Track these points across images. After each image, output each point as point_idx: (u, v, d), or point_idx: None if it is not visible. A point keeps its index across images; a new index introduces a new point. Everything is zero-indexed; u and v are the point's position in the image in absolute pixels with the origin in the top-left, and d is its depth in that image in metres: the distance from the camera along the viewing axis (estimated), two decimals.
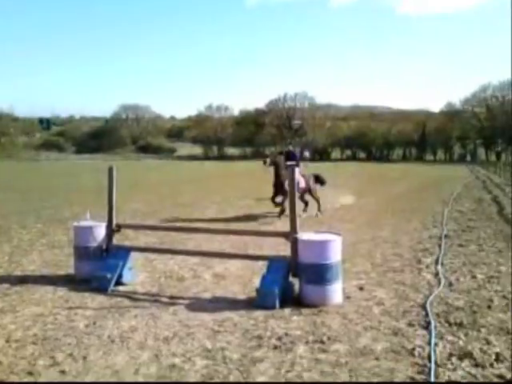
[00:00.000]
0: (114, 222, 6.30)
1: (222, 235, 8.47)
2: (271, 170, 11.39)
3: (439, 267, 6.52)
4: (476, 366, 3.61)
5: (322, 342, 4.08)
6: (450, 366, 3.60)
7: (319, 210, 11.94)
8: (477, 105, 70.56)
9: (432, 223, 10.46)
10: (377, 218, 11.48)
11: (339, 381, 3.44)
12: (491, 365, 3.61)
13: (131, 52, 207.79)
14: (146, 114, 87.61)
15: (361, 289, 5.62)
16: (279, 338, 4.19)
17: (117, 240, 6.49)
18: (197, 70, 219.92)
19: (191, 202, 15.18)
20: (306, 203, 11.90)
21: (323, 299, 5.04)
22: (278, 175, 11.26)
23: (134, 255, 6.33)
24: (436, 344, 3.98)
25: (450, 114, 70.87)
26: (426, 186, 21.71)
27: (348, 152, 77.36)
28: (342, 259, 5.39)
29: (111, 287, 5.69)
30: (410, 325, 4.46)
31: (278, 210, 11.35)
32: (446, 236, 8.80)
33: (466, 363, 3.65)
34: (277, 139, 75.48)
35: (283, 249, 6.29)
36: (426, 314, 4.69)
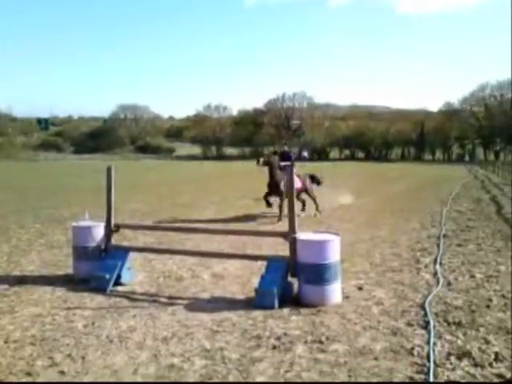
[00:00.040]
0: (113, 222, 6.29)
1: (220, 235, 8.47)
2: (266, 169, 11.32)
3: (438, 267, 6.53)
4: (475, 365, 3.61)
5: (321, 342, 4.08)
6: (448, 366, 3.60)
7: (317, 209, 11.92)
8: (475, 104, 70.67)
9: (431, 223, 10.46)
10: (375, 217, 11.49)
11: (338, 381, 3.44)
12: (490, 364, 3.61)
13: (130, 52, 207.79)
14: (144, 114, 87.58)
15: (360, 289, 5.62)
16: (278, 338, 4.19)
17: (115, 240, 6.48)
18: (195, 69, 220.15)
19: (190, 202, 15.18)
20: (304, 203, 11.88)
21: (322, 299, 5.03)
22: (272, 175, 11.18)
23: (132, 255, 6.33)
24: (435, 343, 3.98)
25: (449, 114, 70.95)
26: (425, 185, 21.72)
27: (346, 152, 77.46)
28: (341, 259, 5.39)
29: (110, 287, 5.68)
30: (409, 324, 4.46)
31: (269, 209, 11.41)
32: (444, 236, 8.80)
33: (464, 363, 3.65)
34: (275, 139, 75.43)
35: (282, 249, 6.29)
36: (425, 314, 4.69)
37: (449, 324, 4.44)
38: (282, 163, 11.38)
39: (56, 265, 6.94)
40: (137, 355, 3.91)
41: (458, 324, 4.43)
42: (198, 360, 3.81)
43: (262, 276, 5.27)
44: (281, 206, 10.87)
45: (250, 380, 3.48)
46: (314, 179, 12.59)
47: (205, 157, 75.42)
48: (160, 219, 11.23)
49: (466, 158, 68.60)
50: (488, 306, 4.92)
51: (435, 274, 6.22)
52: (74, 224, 6.50)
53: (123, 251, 6.16)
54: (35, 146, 78.50)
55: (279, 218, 10.75)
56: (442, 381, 3.39)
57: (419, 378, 3.43)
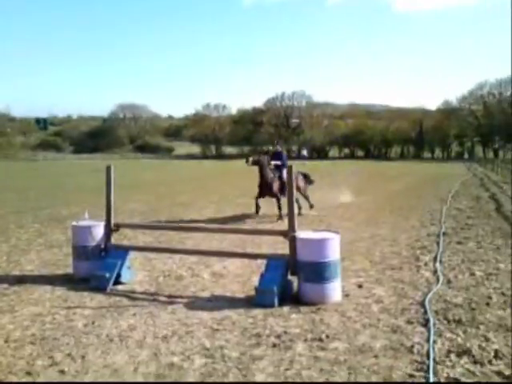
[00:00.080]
0: (113, 221, 6.28)
1: (220, 234, 8.48)
2: (256, 169, 11.10)
3: (438, 265, 6.53)
4: (475, 362, 3.61)
5: (321, 340, 4.09)
6: (448, 363, 3.60)
7: (310, 206, 11.86)
8: (474, 102, 70.73)
9: (430, 221, 10.47)
10: (375, 215, 11.49)
11: (338, 378, 3.44)
12: (490, 362, 3.61)
13: (129, 52, 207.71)
14: (143, 113, 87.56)
15: (359, 286, 5.63)
16: (278, 336, 4.19)
17: (115, 239, 6.48)
18: (194, 69, 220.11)
19: (189, 201, 15.18)
20: (297, 201, 11.81)
21: (322, 297, 5.03)
22: (262, 175, 10.95)
23: (132, 254, 6.34)
24: (435, 341, 3.98)
25: (447, 112, 70.97)
26: (424, 183, 21.74)
27: (346, 150, 77.48)
28: (341, 257, 5.39)
29: (110, 286, 5.68)
30: (409, 322, 4.46)
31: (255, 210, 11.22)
32: (444, 233, 8.81)
33: (464, 360, 3.65)
34: (274, 138, 75.45)
35: (282, 247, 6.30)
36: (425, 312, 4.69)
37: (449, 322, 4.44)
38: (273, 162, 11.22)
39: (55, 264, 6.94)
40: (137, 354, 3.91)
41: (458, 322, 4.43)
42: (198, 358, 3.81)
43: (262, 274, 5.27)
44: (279, 206, 10.80)
45: (250, 378, 3.48)
46: (307, 178, 12.49)
47: (204, 156, 75.43)
48: (159, 218, 11.24)
49: (465, 156, 68.64)
50: (488, 304, 4.92)
51: (435, 271, 6.22)
52: (74, 223, 6.49)
53: (123, 250, 6.16)
54: (34, 146, 78.44)
55: (279, 217, 10.75)
56: (442, 378, 3.40)
57: (419, 375, 3.44)
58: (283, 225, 6.74)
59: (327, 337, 4.15)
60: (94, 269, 5.86)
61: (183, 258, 7.05)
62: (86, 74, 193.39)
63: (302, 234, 5.35)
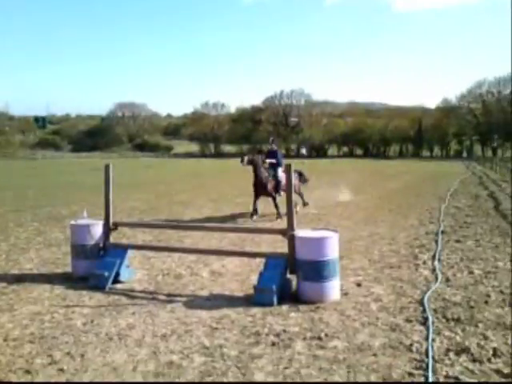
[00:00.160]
0: (111, 220, 6.28)
1: (219, 233, 8.48)
2: (251, 169, 10.91)
3: (436, 263, 6.54)
4: (473, 361, 3.62)
5: (320, 339, 4.09)
6: (447, 362, 3.61)
7: (304, 203, 11.85)
8: (473, 101, 70.70)
9: (429, 219, 10.48)
10: (374, 214, 11.49)
11: (337, 377, 3.44)
12: (489, 360, 3.62)
13: (127, 50, 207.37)
14: (142, 111, 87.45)
15: (358, 285, 5.63)
16: (277, 335, 4.19)
17: (114, 238, 6.47)
18: (193, 67, 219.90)
19: (188, 199, 15.17)
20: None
21: (321, 296, 5.04)
22: (256, 175, 10.82)
23: (131, 253, 6.33)
24: (433, 339, 3.99)
25: (446, 110, 70.95)
26: (423, 182, 21.75)
27: (345, 149, 77.48)
28: (340, 256, 5.40)
29: (109, 285, 5.68)
30: (408, 320, 4.47)
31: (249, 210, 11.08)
32: (442, 232, 8.81)
33: (463, 358, 3.66)
34: (270, 136, 75.38)
35: (280, 246, 6.30)
36: (424, 310, 4.70)
37: (447, 320, 4.45)
38: (268, 160, 11.13)
39: (54, 263, 6.94)
40: (136, 352, 3.91)
41: (457, 320, 4.44)
42: (197, 357, 3.81)
43: (261, 273, 5.27)
44: (276, 205, 10.77)
45: (249, 377, 3.48)
46: (301, 176, 12.37)
47: (203, 154, 75.40)
48: (158, 217, 11.23)
49: (464, 154, 68.67)
50: (486, 302, 4.93)
51: (434, 270, 6.23)
52: (73, 222, 6.48)
53: (122, 249, 6.16)
54: (33, 145, 78.32)
55: (278, 215, 10.75)
56: (441, 376, 3.40)
57: (418, 373, 3.44)
58: (282, 223, 6.75)
59: (326, 335, 4.15)
60: (93, 267, 5.86)
61: (182, 256, 7.05)
62: (84, 73, 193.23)
63: (300, 232, 5.36)
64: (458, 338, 4.04)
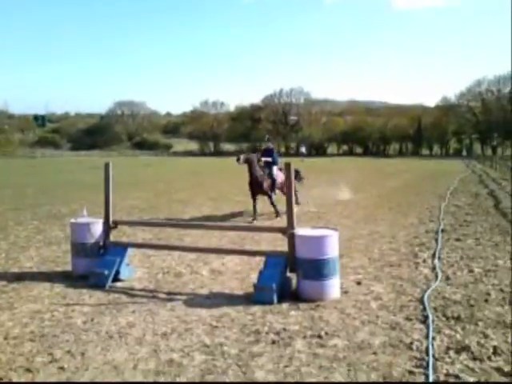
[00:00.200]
0: (111, 218, 6.28)
1: (218, 231, 8.48)
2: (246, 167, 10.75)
3: (436, 261, 6.54)
4: (474, 359, 3.62)
5: (320, 337, 4.09)
6: (447, 360, 3.61)
7: (296, 202, 11.71)
8: (472, 99, 70.66)
9: (429, 218, 10.48)
10: (374, 213, 11.50)
11: (338, 375, 3.45)
12: (489, 358, 3.62)
13: (126, 48, 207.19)
14: (141, 110, 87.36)
15: (358, 283, 5.63)
16: (277, 333, 4.20)
17: (114, 236, 6.47)
18: (192, 65, 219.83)
19: (187, 198, 15.17)
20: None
21: (321, 294, 5.04)
22: (251, 174, 10.66)
23: (131, 251, 6.33)
24: (434, 338, 3.99)
25: (446, 109, 70.94)
26: (423, 180, 21.75)
27: (344, 147, 77.46)
28: (340, 254, 5.40)
29: (109, 283, 5.68)
30: (408, 319, 4.47)
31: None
32: (442, 230, 8.82)
33: (463, 357, 3.66)
34: (273, 135, 75.40)
35: (280, 244, 6.30)
36: (424, 308, 4.71)
37: (447, 318, 4.45)
38: (264, 158, 11.04)
39: (54, 261, 6.94)
40: (136, 351, 3.91)
41: (457, 318, 4.44)
42: (197, 355, 3.81)
43: (261, 271, 5.27)
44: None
45: (250, 375, 3.48)
46: (297, 174, 12.10)
47: (202, 153, 75.34)
48: (158, 215, 11.23)
49: (464, 152, 68.66)
50: (486, 301, 4.93)
51: (434, 268, 6.23)
52: (73, 220, 6.48)
53: (122, 247, 6.16)
54: (32, 143, 78.24)
55: (276, 213, 10.72)
56: (442, 375, 3.40)
57: (418, 372, 3.44)
58: (282, 222, 6.75)
59: (326, 334, 4.16)
60: (93, 266, 5.86)
61: (182, 254, 7.05)
62: (83, 71, 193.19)
63: (300, 231, 5.36)
64: (458, 336, 4.04)
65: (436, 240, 7.99)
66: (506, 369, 3.45)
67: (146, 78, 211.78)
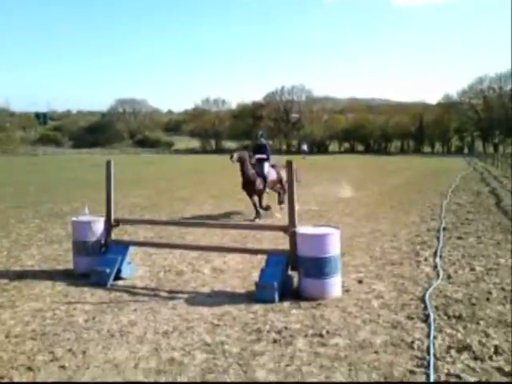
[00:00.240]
0: (113, 216, 6.28)
1: (220, 229, 8.48)
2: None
3: (438, 260, 6.53)
4: (475, 358, 3.61)
5: (321, 336, 4.09)
6: (449, 359, 3.60)
7: (281, 202, 11.00)
8: (474, 97, 70.57)
9: (430, 216, 10.47)
10: (375, 211, 11.49)
11: (339, 374, 3.44)
12: (490, 358, 3.62)
13: (128, 46, 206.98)
14: (143, 107, 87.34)
15: (360, 282, 5.63)
16: (278, 332, 4.20)
17: (115, 235, 6.48)
18: (194, 63, 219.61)
19: (189, 196, 15.17)
20: (279, 193, 11.17)
21: (322, 293, 5.04)
22: (243, 172, 10.30)
23: (132, 250, 6.34)
24: (435, 337, 3.99)
25: (447, 106, 70.84)
26: (424, 178, 21.73)
27: (346, 145, 77.41)
28: (341, 252, 5.39)
29: (110, 282, 5.69)
30: (409, 318, 4.47)
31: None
32: (444, 229, 8.81)
33: (464, 356, 3.65)
34: (275, 132, 75.39)
35: (282, 242, 6.30)
36: (425, 307, 4.70)
37: (449, 317, 4.45)
38: (257, 156, 10.66)
39: (56, 259, 6.94)
40: (138, 349, 3.91)
41: (458, 317, 4.44)
42: (198, 354, 3.81)
43: (263, 270, 5.27)
44: (255, 204, 10.43)
45: (251, 374, 3.48)
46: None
47: (204, 150, 75.34)
48: (160, 213, 11.24)
49: (465, 150, 68.57)
50: (488, 299, 4.92)
51: (435, 267, 6.22)
52: (74, 219, 6.48)
53: (123, 246, 6.16)
54: (34, 141, 78.29)
55: (256, 215, 10.35)
56: (443, 374, 3.40)
57: (419, 371, 3.44)
58: (283, 220, 6.75)
59: (328, 332, 4.15)
60: (95, 264, 5.86)
61: (183, 253, 7.05)
62: (85, 69, 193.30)
63: (302, 229, 5.35)
64: (459, 335, 4.04)
65: (437, 238, 7.99)
66: (507, 369, 3.45)
67: (147, 75, 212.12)
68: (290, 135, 76.45)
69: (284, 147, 76.20)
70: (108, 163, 6.31)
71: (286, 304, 4.89)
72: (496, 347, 3.77)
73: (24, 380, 3.47)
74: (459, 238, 8.07)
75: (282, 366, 3.57)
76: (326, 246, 5.09)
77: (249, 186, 10.46)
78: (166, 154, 68.05)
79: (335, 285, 5.14)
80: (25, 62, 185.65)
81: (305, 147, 51.82)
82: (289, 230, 5.31)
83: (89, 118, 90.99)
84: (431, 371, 3.39)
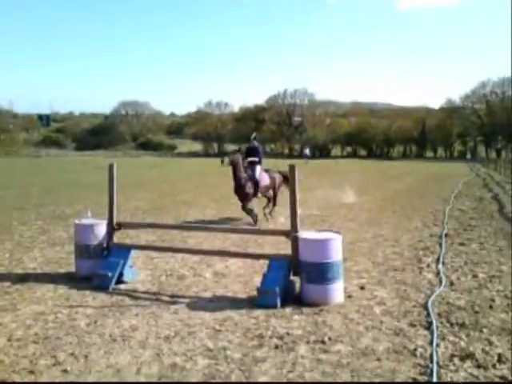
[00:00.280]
0: (115, 220, 6.28)
1: (222, 233, 8.47)
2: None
3: (440, 266, 6.51)
4: (478, 367, 3.59)
5: (324, 342, 4.08)
6: (452, 367, 3.58)
7: (271, 210, 10.72)
8: (476, 101, 70.58)
9: (433, 221, 10.45)
10: (377, 216, 11.47)
11: (341, 381, 3.43)
12: (493, 366, 3.59)
13: (130, 48, 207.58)
14: (145, 110, 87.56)
15: (362, 288, 5.61)
16: (280, 338, 4.18)
17: (117, 238, 6.47)
18: (196, 66, 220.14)
19: (192, 199, 15.17)
20: (270, 201, 10.88)
21: (324, 298, 5.02)
22: (235, 176, 10.02)
23: (134, 253, 6.33)
24: (438, 344, 3.97)
25: (450, 111, 70.84)
26: (427, 183, 21.71)
27: (348, 149, 77.43)
28: (343, 258, 5.38)
29: (112, 285, 5.68)
30: (412, 325, 4.45)
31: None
32: (446, 235, 8.79)
33: (467, 364, 3.63)
34: (277, 136, 75.50)
35: (284, 247, 6.29)
36: (428, 314, 4.68)
37: (452, 325, 4.43)
38: (250, 159, 10.39)
39: (58, 262, 6.95)
40: (140, 354, 3.91)
41: (461, 325, 4.42)
42: (200, 359, 3.80)
43: (264, 275, 5.26)
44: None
45: (253, 380, 3.47)
46: (287, 180, 11.43)
47: (206, 153, 75.45)
48: (162, 217, 11.24)
49: (468, 155, 68.51)
50: (491, 307, 4.90)
51: (438, 273, 6.21)
52: (77, 222, 6.48)
53: (125, 249, 6.16)
54: (37, 143, 78.51)
55: (255, 219, 10.14)
56: (446, 382, 3.38)
57: (422, 379, 3.42)
58: (286, 225, 6.74)
59: (330, 339, 4.14)
60: (97, 267, 5.86)
61: (185, 257, 7.05)
62: (87, 71, 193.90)
63: (304, 234, 5.34)
64: (462, 343, 4.02)
65: (440, 244, 7.97)
66: (511, 377, 3.43)
67: (149, 78, 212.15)
68: (293, 139, 76.55)
69: (286, 151, 76.25)
70: (111, 166, 6.31)
71: (287, 310, 4.88)
72: (499, 355, 3.75)
73: None
74: (462, 244, 8.05)
75: (284, 373, 3.56)
76: (328, 252, 5.07)
77: (240, 190, 10.14)
78: (168, 157, 68.15)
79: (337, 291, 5.13)
80: (27, 63, 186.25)
81: (307, 151, 51.82)
82: (291, 234, 5.30)
83: (92, 120, 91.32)
84: (434, 379, 3.38)
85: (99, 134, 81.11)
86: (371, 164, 46.16)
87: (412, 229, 9.62)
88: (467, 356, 3.75)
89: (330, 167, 37.93)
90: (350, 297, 5.27)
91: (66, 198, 15.13)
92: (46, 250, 7.79)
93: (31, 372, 3.61)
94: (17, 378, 3.53)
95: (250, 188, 10.14)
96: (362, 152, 75.87)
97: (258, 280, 5.46)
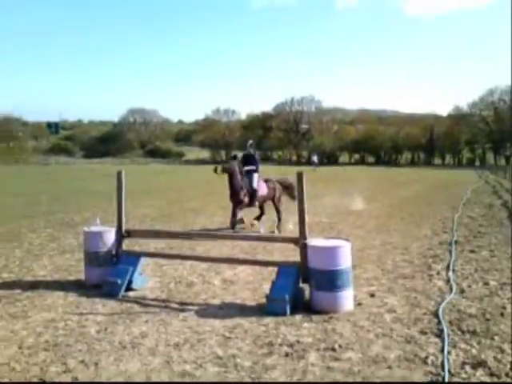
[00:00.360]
0: (124, 227, 6.30)
1: (230, 240, 8.47)
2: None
3: (450, 273, 6.47)
4: (490, 375, 3.56)
5: (334, 350, 4.06)
6: (463, 376, 3.55)
7: (279, 225, 10.34)
8: (484, 108, 70.31)
9: (442, 229, 10.39)
10: (386, 223, 11.42)
11: (342, 381, 3.41)
12: (506, 374, 3.56)
13: (139, 56, 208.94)
14: (153, 117, 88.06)
15: (372, 295, 5.58)
16: (290, 345, 4.17)
17: (126, 245, 6.49)
18: (204, 73, 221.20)
19: (200, 207, 15.20)
20: (262, 213, 10.71)
21: (334, 306, 5.00)
22: (231, 185, 9.87)
23: (143, 260, 6.35)
24: (449, 352, 3.94)
25: (458, 118, 70.60)
26: (435, 190, 21.59)
27: (356, 156, 77.32)
28: (353, 265, 5.36)
29: (121, 293, 5.70)
30: (423, 332, 4.42)
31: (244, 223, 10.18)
32: (456, 242, 8.73)
33: (480, 372, 3.60)
34: (284, 143, 75.58)
35: (293, 254, 6.28)
36: (439, 322, 4.65)
37: (463, 332, 4.39)
38: (246, 167, 10.17)
39: (67, 270, 6.98)
40: (149, 361, 3.91)
41: (473, 332, 4.38)
42: (210, 367, 3.80)
43: (273, 282, 5.24)
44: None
45: None
46: (288, 190, 10.70)
47: (214, 161, 75.54)
48: (170, 224, 11.26)
49: (477, 163, 68.16)
50: (502, 314, 4.86)
51: (448, 280, 6.16)
52: (86, 229, 6.51)
53: (134, 256, 6.18)
54: (45, 150, 79.12)
55: (251, 224, 10.06)
56: None
57: None
58: (294, 232, 6.73)
59: (340, 347, 4.12)
60: (106, 275, 5.88)
61: (194, 264, 7.05)
62: (96, 79, 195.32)
63: (313, 241, 5.33)
64: (473, 350, 3.98)
65: (450, 252, 7.92)
66: None
67: (157, 85, 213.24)
68: (300, 146, 76.61)
69: (294, 158, 76.27)
70: (119, 174, 6.34)
71: (297, 317, 4.86)
72: None
73: None
74: (472, 251, 7.99)
75: (294, 381, 3.55)
76: (337, 259, 5.06)
77: (236, 199, 9.96)
78: (176, 164, 68.38)
79: (347, 298, 5.11)
80: (37, 71, 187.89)
81: (315, 158, 51.82)
82: (299, 241, 5.30)
83: (100, 128, 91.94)
84: None
85: (107, 142, 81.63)
86: (379, 171, 46.03)
87: (421, 236, 9.56)
88: (479, 364, 3.72)
89: (337, 174, 37.87)
90: (359, 304, 5.24)
91: (74, 206, 15.21)
92: (56, 257, 7.83)
93: (42, 379, 3.63)
94: None
95: (244, 196, 9.95)
96: (370, 159, 75.73)
97: (266, 287, 5.46)
